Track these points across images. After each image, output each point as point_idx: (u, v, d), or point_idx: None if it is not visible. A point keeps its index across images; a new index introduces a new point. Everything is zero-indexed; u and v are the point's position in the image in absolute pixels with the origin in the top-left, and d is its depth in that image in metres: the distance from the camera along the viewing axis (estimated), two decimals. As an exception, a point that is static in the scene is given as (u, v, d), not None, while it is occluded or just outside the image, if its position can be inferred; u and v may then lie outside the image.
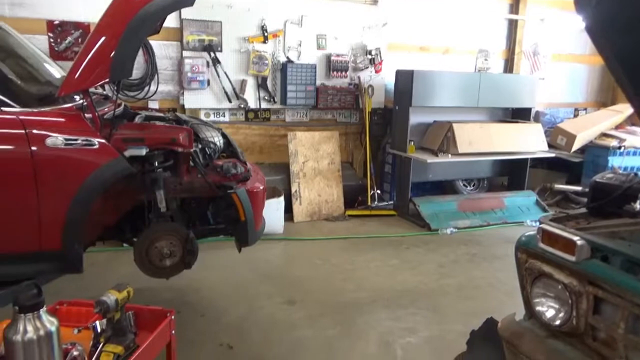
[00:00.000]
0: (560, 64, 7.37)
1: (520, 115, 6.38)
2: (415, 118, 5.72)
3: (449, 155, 5.58)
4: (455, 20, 6.53)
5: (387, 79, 6.14)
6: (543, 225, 1.76)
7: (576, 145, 6.28)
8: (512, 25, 7.01)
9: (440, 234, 5.29)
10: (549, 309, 1.77)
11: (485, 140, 5.71)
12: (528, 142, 5.98)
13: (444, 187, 6.57)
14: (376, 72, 6.12)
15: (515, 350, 1.80)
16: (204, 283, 3.87)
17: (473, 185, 6.73)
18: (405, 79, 5.54)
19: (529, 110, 6.33)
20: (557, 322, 1.72)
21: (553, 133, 6.52)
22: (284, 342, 3.09)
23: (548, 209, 5.97)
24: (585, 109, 7.71)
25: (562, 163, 6.45)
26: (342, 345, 3.08)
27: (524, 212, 5.88)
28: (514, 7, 6.93)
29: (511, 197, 6.06)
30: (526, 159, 6.18)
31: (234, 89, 5.43)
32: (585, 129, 6.39)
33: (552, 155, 6.14)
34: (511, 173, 6.55)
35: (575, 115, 7.54)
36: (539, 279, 1.79)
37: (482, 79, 5.86)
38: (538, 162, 6.56)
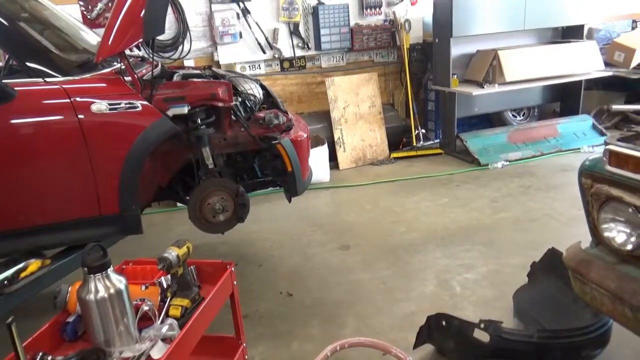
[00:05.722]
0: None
1: (571, 34, 5.93)
2: (457, 49, 5.43)
3: (496, 85, 5.31)
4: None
5: (424, 11, 5.83)
6: (610, 147, 1.64)
7: (636, 60, 5.79)
8: None
9: (491, 168, 5.14)
10: (619, 234, 1.69)
11: (534, 66, 5.37)
12: (581, 62, 5.58)
13: (492, 120, 6.29)
14: (412, 4, 5.83)
15: (584, 279, 1.73)
16: (258, 235, 3.96)
17: (523, 115, 6.42)
18: (443, 8, 5.21)
19: (581, 27, 5.87)
20: (629, 247, 1.64)
21: (609, 49, 6.04)
22: (341, 286, 3.15)
23: (606, 132, 5.64)
24: (645, 19, 7.05)
25: (620, 82, 5.98)
26: (399, 285, 3.10)
27: (580, 138, 5.60)
28: None
29: (565, 123, 5.76)
30: (580, 81, 5.80)
31: (266, 39, 5.31)
32: (646, 41, 5.89)
33: (609, 73, 5.71)
34: (563, 98, 6.18)
35: (634, 28, 6.90)
36: (606, 203, 1.70)
37: (528, -3, 5.41)
38: (592, 84, 6.13)
